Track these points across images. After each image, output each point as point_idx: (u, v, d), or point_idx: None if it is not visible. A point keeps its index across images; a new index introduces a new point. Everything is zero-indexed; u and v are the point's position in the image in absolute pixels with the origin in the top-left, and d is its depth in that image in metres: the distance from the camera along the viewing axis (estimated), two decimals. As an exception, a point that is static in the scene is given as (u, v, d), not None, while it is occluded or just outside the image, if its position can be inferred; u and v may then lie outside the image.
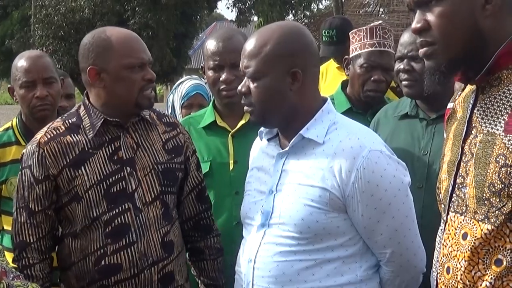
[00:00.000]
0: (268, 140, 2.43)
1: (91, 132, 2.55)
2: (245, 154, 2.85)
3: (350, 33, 3.56)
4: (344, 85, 3.62)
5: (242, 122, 2.99)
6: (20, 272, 2.46)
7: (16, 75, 3.24)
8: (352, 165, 2.19)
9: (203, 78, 3.31)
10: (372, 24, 3.46)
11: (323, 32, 4.77)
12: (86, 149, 2.53)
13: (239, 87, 2.35)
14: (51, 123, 2.63)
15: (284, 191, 2.30)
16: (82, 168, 2.51)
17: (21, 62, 3.27)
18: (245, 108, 2.36)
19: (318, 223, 2.22)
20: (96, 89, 2.58)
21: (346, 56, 3.59)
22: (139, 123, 2.66)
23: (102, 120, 2.56)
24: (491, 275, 1.70)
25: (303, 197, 2.24)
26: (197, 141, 2.96)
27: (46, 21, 23.58)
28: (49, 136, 2.54)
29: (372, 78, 3.38)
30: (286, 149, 2.32)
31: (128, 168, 2.56)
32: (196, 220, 2.81)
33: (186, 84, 3.98)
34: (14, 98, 3.32)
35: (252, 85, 2.30)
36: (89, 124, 2.56)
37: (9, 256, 2.77)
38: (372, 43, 3.38)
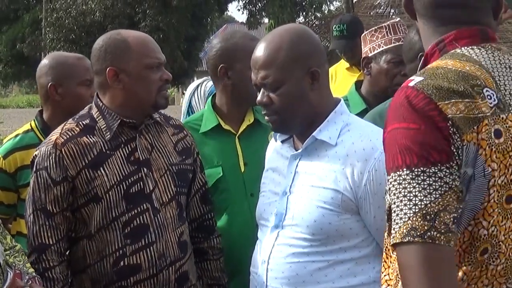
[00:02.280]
0: (282, 141, 2.43)
1: (108, 133, 2.55)
2: (254, 155, 2.84)
3: (367, 32, 3.49)
4: (357, 85, 3.58)
5: (246, 123, 2.96)
6: (40, 275, 2.45)
7: (72, 72, 3.14)
8: (364, 167, 2.19)
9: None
10: (392, 21, 3.43)
11: (333, 27, 4.79)
12: (104, 150, 2.53)
13: (259, 98, 2.32)
14: (64, 124, 2.61)
15: (297, 193, 2.30)
16: (101, 169, 2.51)
17: (74, 59, 3.20)
18: (267, 118, 2.35)
19: (330, 225, 2.22)
20: (113, 90, 2.57)
21: (364, 56, 3.53)
22: (151, 125, 2.67)
23: (119, 121, 2.56)
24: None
25: (316, 199, 2.24)
26: (202, 146, 2.92)
27: (57, 24, 23.74)
28: (65, 138, 2.53)
29: (402, 72, 3.28)
30: (299, 150, 2.33)
31: (145, 169, 2.57)
32: (200, 221, 2.81)
33: (206, 85, 3.96)
34: (57, 96, 3.14)
35: (273, 95, 2.28)
36: (105, 125, 2.56)
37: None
38: (398, 37, 3.34)
